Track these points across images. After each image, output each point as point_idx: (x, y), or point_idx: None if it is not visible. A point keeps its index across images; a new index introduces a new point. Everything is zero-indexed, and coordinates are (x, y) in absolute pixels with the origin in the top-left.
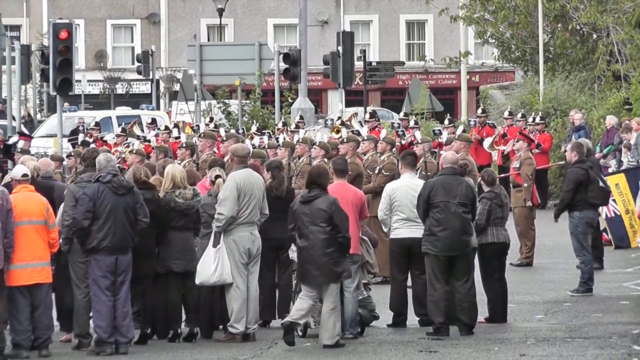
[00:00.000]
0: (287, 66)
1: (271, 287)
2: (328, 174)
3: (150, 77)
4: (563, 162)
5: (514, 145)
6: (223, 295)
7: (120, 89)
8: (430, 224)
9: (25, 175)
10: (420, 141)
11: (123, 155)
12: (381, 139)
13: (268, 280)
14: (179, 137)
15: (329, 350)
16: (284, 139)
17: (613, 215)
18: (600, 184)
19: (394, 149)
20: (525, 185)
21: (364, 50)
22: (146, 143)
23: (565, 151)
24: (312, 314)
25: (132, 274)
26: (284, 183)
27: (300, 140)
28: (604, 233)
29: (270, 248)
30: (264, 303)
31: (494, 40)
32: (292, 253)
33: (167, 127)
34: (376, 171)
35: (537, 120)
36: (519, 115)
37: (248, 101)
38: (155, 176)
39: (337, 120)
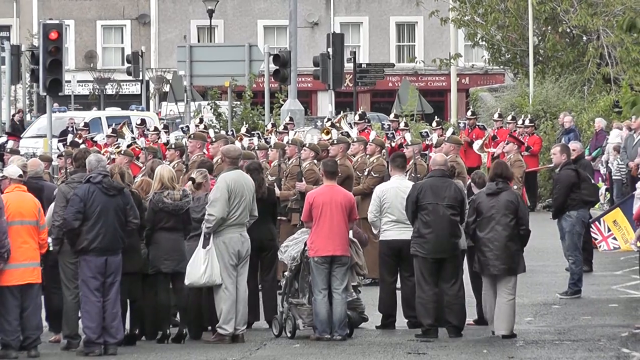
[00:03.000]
0: (277, 67)
1: (254, 288)
2: (510, 168)
3: (140, 78)
4: (552, 165)
5: (503, 147)
6: (212, 296)
7: (110, 89)
8: (419, 226)
9: (20, 175)
10: (410, 143)
11: (113, 156)
12: (370, 141)
13: (251, 281)
14: (167, 143)
15: (318, 352)
16: (275, 140)
17: (612, 248)
18: (592, 181)
19: (383, 151)
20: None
21: (354, 52)
22: (134, 145)
23: (553, 153)
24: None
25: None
26: (264, 185)
27: (290, 142)
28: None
29: (253, 250)
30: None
31: (484, 43)
32: (282, 255)
33: (156, 128)
34: (365, 173)
35: (527, 122)
36: (509, 118)
37: (239, 102)
38: (144, 177)
39: (326, 122)
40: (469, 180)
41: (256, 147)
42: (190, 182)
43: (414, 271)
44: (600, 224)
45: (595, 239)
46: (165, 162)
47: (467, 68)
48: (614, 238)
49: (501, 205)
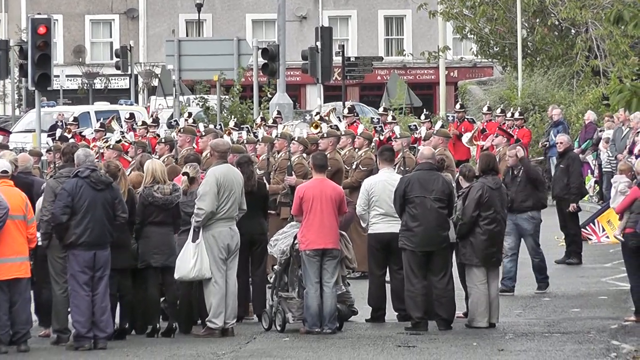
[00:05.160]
0: (266, 61)
1: (245, 282)
2: (497, 160)
3: (129, 72)
4: (542, 158)
5: (493, 140)
6: (201, 290)
7: (98, 84)
8: (407, 219)
9: (5, 171)
10: (398, 136)
11: (102, 151)
12: (358, 134)
13: (242, 276)
14: (159, 134)
15: (308, 345)
16: (263, 134)
17: (602, 241)
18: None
19: (371, 144)
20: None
21: (343, 46)
22: (123, 142)
23: (510, 155)
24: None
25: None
26: (254, 178)
27: (279, 136)
28: (582, 229)
29: (243, 243)
30: (237, 298)
31: (472, 36)
32: (271, 248)
33: (144, 123)
34: (354, 166)
35: (516, 115)
36: (498, 111)
37: (227, 96)
38: (136, 172)
39: (315, 116)
40: (458, 173)
41: (245, 141)
42: (185, 178)
43: (403, 264)
44: (594, 225)
45: (590, 239)
46: (155, 156)
47: (456, 61)
48: (607, 237)
49: (503, 199)
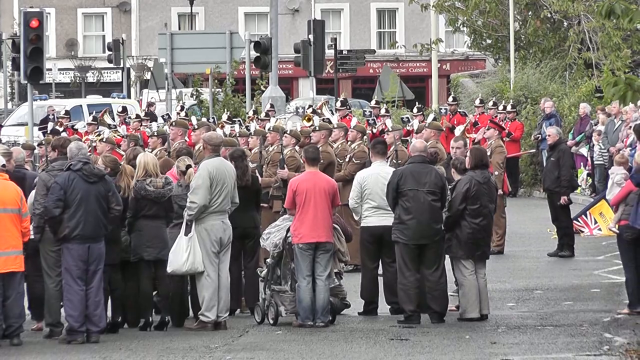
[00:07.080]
0: (258, 54)
1: (238, 276)
2: (487, 154)
3: (121, 65)
4: (534, 150)
5: (484, 133)
6: (194, 283)
7: (91, 77)
8: (400, 212)
9: (4, 165)
10: (391, 129)
11: (94, 144)
12: (352, 127)
13: (234, 269)
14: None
15: (300, 338)
16: (255, 127)
17: (594, 234)
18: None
19: (364, 137)
20: (496, 173)
21: (335, 39)
22: (116, 135)
23: (457, 147)
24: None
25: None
26: (248, 172)
27: (272, 129)
28: (574, 221)
29: (236, 237)
30: (230, 292)
31: (465, 28)
32: (264, 242)
33: (137, 116)
34: (347, 159)
35: (508, 108)
36: (490, 103)
37: (220, 89)
38: (129, 166)
39: (308, 109)
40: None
41: (237, 134)
42: (190, 170)
43: (395, 257)
44: (587, 217)
45: (582, 231)
46: (147, 149)
47: (448, 54)
48: (599, 229)
49: (490, 193)
